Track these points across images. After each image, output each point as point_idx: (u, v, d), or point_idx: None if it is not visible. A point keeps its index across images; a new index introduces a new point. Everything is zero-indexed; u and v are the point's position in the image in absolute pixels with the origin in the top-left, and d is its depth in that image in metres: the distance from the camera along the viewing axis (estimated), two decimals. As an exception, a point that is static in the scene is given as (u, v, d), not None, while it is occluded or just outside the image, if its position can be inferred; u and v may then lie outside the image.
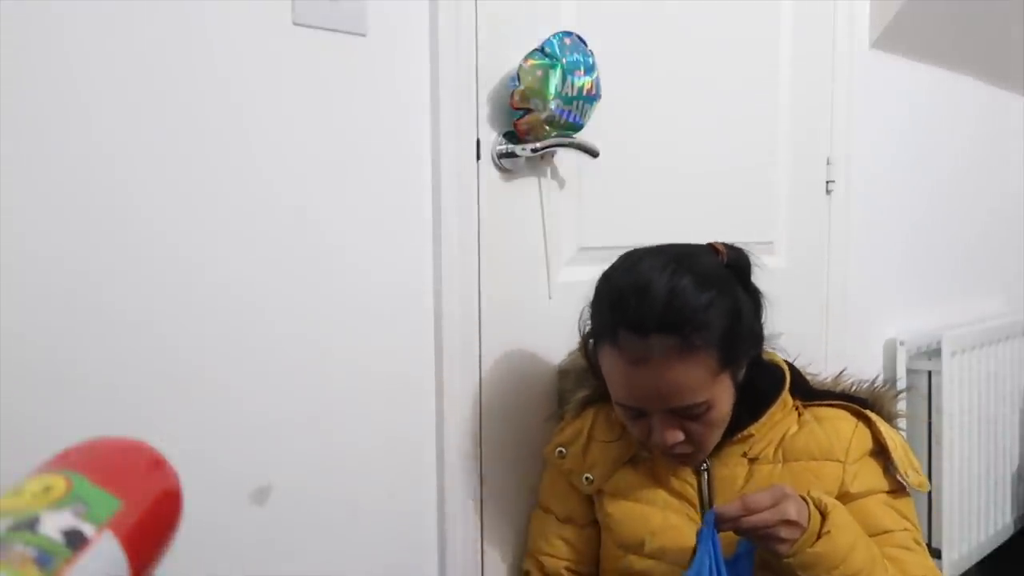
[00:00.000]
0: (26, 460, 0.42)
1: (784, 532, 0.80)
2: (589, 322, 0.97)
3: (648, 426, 0.91)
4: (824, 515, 0.83)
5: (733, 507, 0.81)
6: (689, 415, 0.88)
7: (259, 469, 0.90)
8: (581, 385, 1.07)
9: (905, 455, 0.97)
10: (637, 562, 0.97)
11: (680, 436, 0.89)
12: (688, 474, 0.97)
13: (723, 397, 0.90)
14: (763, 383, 0.98)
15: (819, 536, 0.81)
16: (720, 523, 0.81)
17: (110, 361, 0.79)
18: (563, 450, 1.04)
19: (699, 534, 0.83)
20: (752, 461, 0.96)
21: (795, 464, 0.95)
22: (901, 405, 1.05)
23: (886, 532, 0.93)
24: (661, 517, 0.96)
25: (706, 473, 0.97)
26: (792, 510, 0.80)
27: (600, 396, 1.02)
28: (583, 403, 1.06)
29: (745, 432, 0.95)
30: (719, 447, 0.96)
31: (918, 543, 0.94)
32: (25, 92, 0.73)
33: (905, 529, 0.94)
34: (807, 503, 0.83)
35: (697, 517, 0.95)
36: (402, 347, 1.02)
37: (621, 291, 0.90)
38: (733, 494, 0.94)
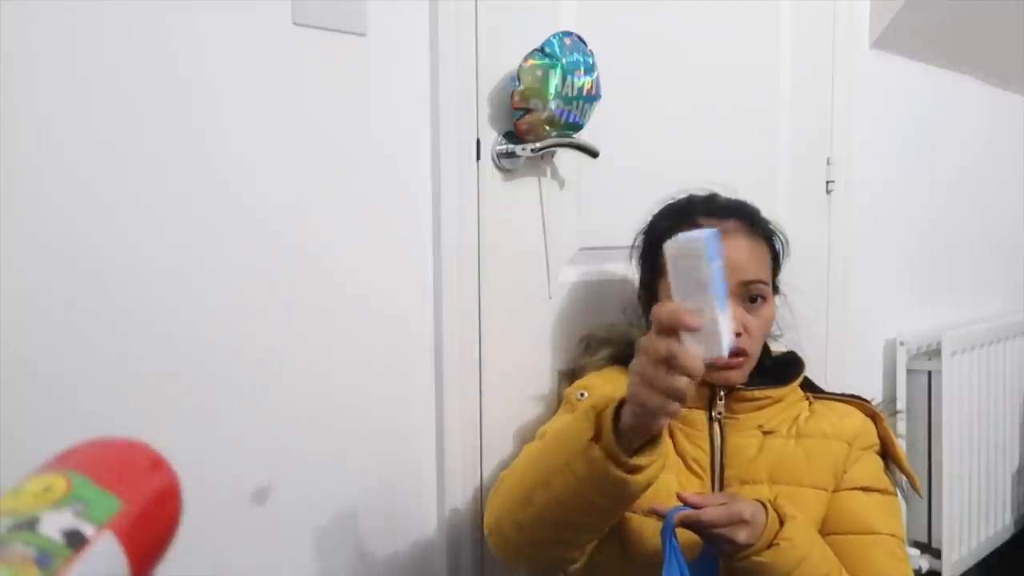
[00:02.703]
0: (26, 460, 0.42)
1: (741, 533, 0.79)
2: (641, 247, 1.07)
3: None
4: (781, 526, 0.82)
5: (692, 498, 0.81)
6: (752, 297, 0.97)
7: (259, 469, 0.90)
8: (602, 348, 1.11)
9: (904, 458, 1.01)
10: (652, 524, 0.92)
11: (742, 326, 0.95)
12: (702, 440, 0.98)
13: (771, 302, 1.01)
14: (789, 358, 1.06)
15: (769, 546, 0.80)
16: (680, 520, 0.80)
17: (110, 361, 0.79)
18: (584, 392, 1.03)
19: (662, 533, 0.82)
20: (766, 434, 0.98)
21: (808, 440, 0.97)
22: (900, 427, 1.07)
23: (873, 533, 0.93)
24: (677, 485, 0.95)
25: (720, 441, 0.98)
26: (746, 511, 0.80)
27: (624, 357, 1.08)
28: (608, 359, 1.10)
29: (769, 392, 0.98)
30: (736, 413, 0.98)
31: (903, 551, 0.95)
32: (24, 92, 0.73)
33: (893, 534, 0.94)
34: (766, 509, 0.82)
35: (709, 487, 0.96)
36: (402, 346, 1.02)
37: (690, 197, 1.05)
38: (744, 464, 0.96)
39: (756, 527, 0.80)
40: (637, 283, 1.09)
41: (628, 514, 0.95)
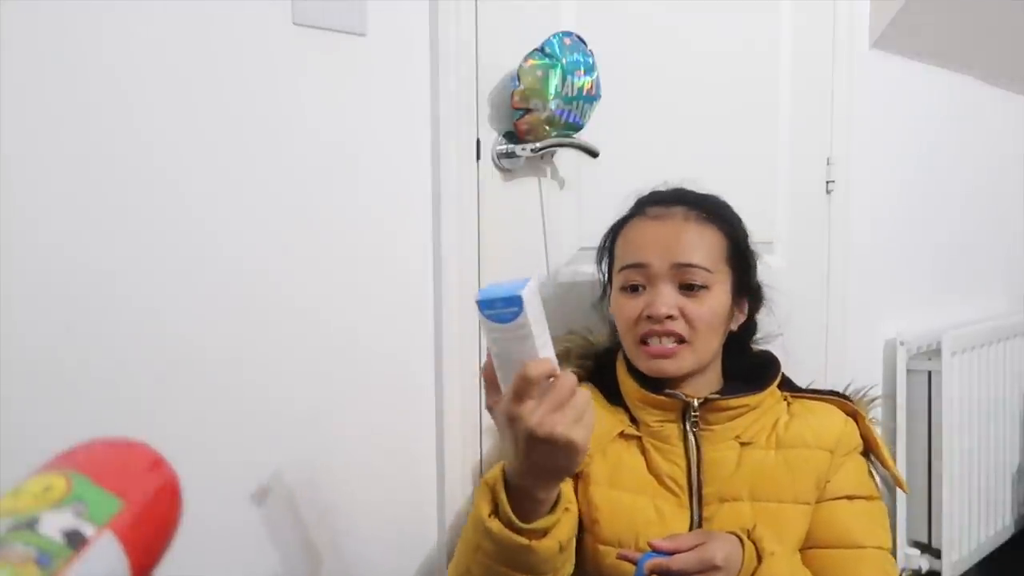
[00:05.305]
0: (26, 460, 0.42)
1: None
2: (607, 251, 1.05)
3: (645, 302, 0.94)
4: (759, 561, 0.80)
5: (663, 544, 0.79)
6: (689, 284, 0.93)
7: (259, 470, 0.90)
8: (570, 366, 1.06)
9: (888, 455, 0.99)
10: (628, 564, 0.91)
11: (675, 308, 0.92)
12: (677, 455, 0.94)
13: (720, 293, 0.95)
14: (763, 359, 1.02)
15: None
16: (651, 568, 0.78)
17: (110, 360, 0.79)
18: None
19: None
20: (744, 445, 0.94)
21: (789, 451, 0.94)
22: (900, 416, 1.05)
23: (860, 547, 0.91)
24: (653, 509, 0.93)
25: (696, 455, 0.94)
26: (719, 556, 0.77)
27: (588, 376, 1.05)
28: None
29: (745, 400, 0.94)
30: (711, 424, 0.94)
31: (891, 564, 0.92)
32: (26, 91, 0.73)
33: (879, 547, 0.92)
34: (742, 543, 0.81)
35: (687, 504, 0.93)
36: (402, 347, 1.02)
37: (651, 189, 1.04)
38: (723, 480, 0.93)
39: (730, 571, 0.78)
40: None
41: (604, 548, 0.93)
